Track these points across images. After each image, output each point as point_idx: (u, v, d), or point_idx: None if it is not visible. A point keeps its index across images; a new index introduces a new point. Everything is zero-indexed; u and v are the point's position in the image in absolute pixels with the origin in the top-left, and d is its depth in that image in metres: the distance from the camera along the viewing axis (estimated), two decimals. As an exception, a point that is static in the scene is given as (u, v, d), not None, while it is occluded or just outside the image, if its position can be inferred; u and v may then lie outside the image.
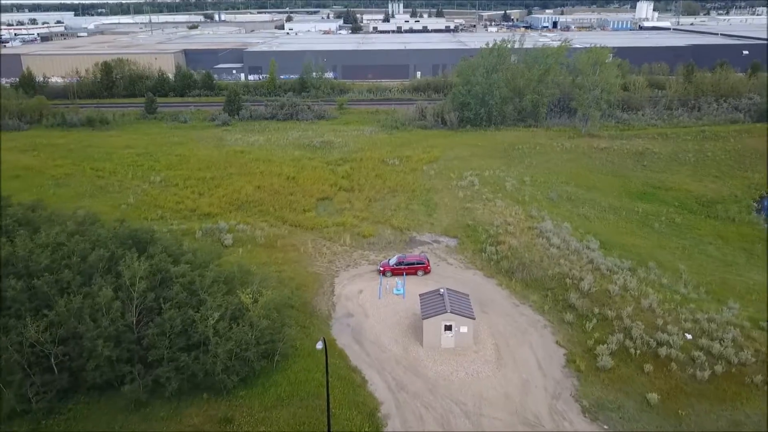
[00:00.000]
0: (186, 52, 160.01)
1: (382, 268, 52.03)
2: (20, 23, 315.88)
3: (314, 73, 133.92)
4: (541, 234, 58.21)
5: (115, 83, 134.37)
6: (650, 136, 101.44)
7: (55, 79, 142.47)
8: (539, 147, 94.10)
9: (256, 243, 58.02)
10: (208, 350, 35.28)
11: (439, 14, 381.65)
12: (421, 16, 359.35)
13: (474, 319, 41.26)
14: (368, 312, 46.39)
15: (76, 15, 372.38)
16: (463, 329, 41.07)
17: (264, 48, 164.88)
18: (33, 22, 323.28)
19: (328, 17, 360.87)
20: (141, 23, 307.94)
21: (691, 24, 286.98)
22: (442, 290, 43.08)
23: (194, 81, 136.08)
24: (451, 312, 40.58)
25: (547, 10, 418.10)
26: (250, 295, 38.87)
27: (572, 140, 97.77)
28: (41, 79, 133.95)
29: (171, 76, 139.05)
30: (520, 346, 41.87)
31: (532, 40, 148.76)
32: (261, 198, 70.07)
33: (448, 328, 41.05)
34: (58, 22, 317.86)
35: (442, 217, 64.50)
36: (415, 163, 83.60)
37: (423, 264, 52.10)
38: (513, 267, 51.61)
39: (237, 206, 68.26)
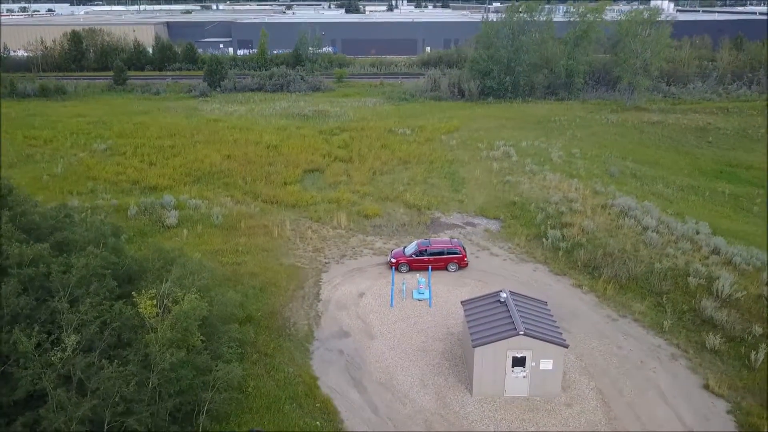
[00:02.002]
0: (168, 25, 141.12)
1: (394, 260, 33.47)
2: (9, 11, 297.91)
3: (310, 48, 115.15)
4: (623, 213, 39.51)
5: (84, 55, 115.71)
6: (708, 111, 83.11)
7: (21, 53, 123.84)
8: (579, 120, 75.46)
9: (210, 224, 39.38)
10: (40, 416, 16.66)
11: (445, 6, 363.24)
12: (426, 7, 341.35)
13: (567, 346, 22.56)
14: (374, 330, 27.84)
15: (71, 5, 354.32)
16: (546, 365, 22.42)
17: (254, 20, 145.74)
18: (24, 10, 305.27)
19: (329, 7, 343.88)
20: (134, 11, 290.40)
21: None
22: (504, 294, 24.38)
23: (175, 53, 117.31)
24: (525, 334, 21.97)
25: (560, 6, 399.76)
26: (156, 301, 20.23)
27: (616, 114, 79.27)
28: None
29: (150, 49, 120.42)
30: (643, 395, 23.22)
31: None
32: (229, 168, 51.37)
33: (519, 362, 22.43)
34: (49, 10, 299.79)
35: (475, 193, 45.83)
36: (431, 132, 64.93)
37: (457, 253, 33.51)
38: (595, 259, 32.93)
39: (196, 178, 49.56)
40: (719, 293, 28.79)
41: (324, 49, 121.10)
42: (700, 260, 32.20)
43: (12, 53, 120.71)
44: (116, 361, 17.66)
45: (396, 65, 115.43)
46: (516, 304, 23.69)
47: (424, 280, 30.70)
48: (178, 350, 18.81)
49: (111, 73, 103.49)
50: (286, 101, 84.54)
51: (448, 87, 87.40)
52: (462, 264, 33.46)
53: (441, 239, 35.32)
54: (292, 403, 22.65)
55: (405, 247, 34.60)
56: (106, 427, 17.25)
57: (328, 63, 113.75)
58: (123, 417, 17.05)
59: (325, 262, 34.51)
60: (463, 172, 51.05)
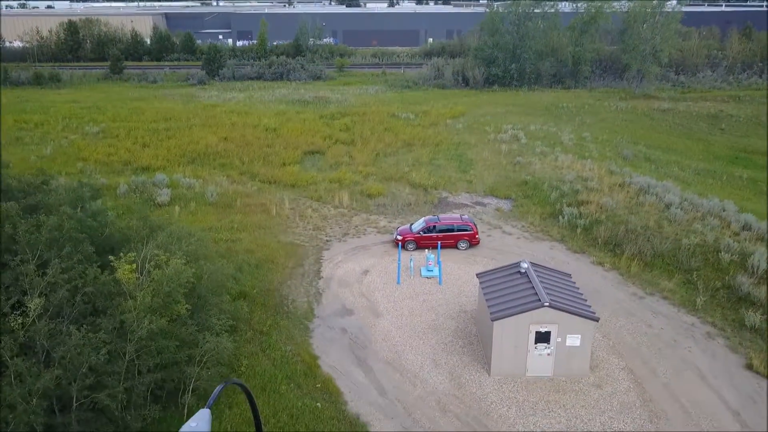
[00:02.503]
0: (167, 16, 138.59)
1: (400, 237, 31.07)
2: (9, 7, 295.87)
3: (311, 39, 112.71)
4: (642, 191, 37.10)
5: (81, 45, 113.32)
6: (720, 99, 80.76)
7: (17, 43, 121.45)
8: (588, 107, 73.07)
9: (204, 202, 36.99)
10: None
11: (446, 2, 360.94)
12: (427, 4, 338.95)
13: (597, 320, 20.14)
14: (380, 307, 25.47)
15: (71, 1, 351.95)
16: (573, 341, 20.02)
17: (254, 10, 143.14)
18: (23, 6, 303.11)
19: (329, 3, 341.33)
20: (133, 6, 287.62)
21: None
22: (524, 264, 21.97)
23: (173, 44, 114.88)
24: (550, 305, 19.58)
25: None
26: (137, 265, 17.85)
27: (625, 101, 76.88)
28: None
29: (148, 40, 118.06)
30: (680, 376, 20.82)
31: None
32: (226, 150, 48.97)
33: (543, 337, 20.04)
34: (48, 6, 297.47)
35: (484, 174, 43.41)
36: (436, 117, 62.50)
37: (468, 230, 31.12)
38: (616, 236, 30.52)
39: (190, 159, 47.16)
40: (755, 269, 26.38)
41: (325, 40, 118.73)
42: (730, 236, 29.78)
43: (8, 44, 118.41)
44: (85, 327, 15.25)
45: (398, 56, 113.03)
46: (538, 275, 21.30)
47: (433, 256, 28.28)
48: (159, 318, 16.42)
49: (108, 63, 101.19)
50: (286, 89, 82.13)
51: (452, 75, 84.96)
52: (473, 241, 31.07)
53: (450, 215, 32.95)
54: (289, 383, 20.28)
55: (411, 224, 32.21)
56: (74, 404, 14.88)
57: (328, 54, 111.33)
58: (93, 392, 14.63)
59: (327, 240, 32.13)
60: (470, 153, 48.66)
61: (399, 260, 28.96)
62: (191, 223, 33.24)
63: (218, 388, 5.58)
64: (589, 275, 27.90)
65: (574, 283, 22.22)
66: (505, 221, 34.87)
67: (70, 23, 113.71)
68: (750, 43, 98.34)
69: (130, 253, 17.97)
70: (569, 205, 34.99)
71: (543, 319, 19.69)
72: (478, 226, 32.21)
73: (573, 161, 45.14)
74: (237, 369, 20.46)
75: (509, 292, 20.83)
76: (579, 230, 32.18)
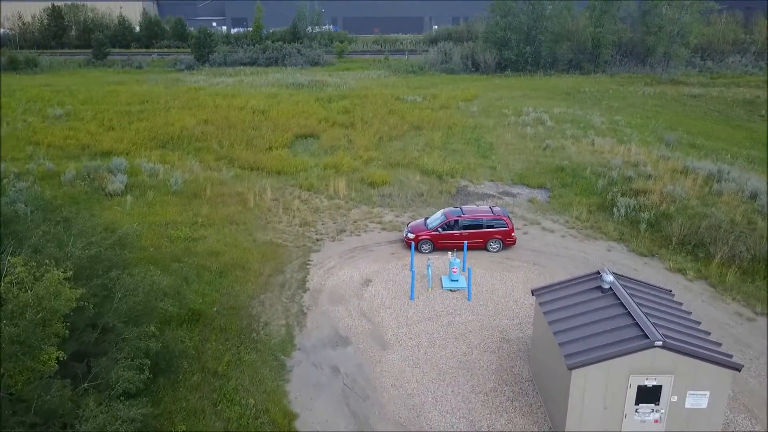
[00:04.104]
0: (158, 3, 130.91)
1: (412, 235, 23.46)
2: None
3: (309, 26, 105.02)
4: (712, 178, 29.50)
5: (65, 31, 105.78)
6: (753, 84, 73.16)
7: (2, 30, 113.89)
8: (612, 92, 65.45)
9: (166, 191, 29.40)
10: None
11: None
12: None
13: (739, 368, 12.69)
14: (387, 333, 17.90)
15: None
16: (698, 399, 12.55)
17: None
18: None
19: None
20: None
21: None
22: (608, 277, 14.42)
23: (163, 30, 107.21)
24: (664, 345, 12.12)
25: None
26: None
27: (651, 87, 69.23)
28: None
29: (137, 26, 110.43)
30: None
31: None
32: (204, 133, 41.34)
33: (649, 393, 12.55)
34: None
35: (509, 159, 35.80)
36: (446, 100, 54.79)
37: (501, 225, 23.55)
38: (695, 234, 23.02)
39: (161, 143, 39.55)
40: None
41: (324, 27, 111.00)
42: None
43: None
44: None
45: (401, 43, 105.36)
46: (631, 294, 13.76)
47: (458, 261, 20.68)
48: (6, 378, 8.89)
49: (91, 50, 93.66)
50: (281, 74, 74.43)
51: (461, 59, 77.28)
52: (507, 241, 23.53)
53: (476, 207, 25.37)
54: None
55: (426, 219, 24.65)
56: None
57: (327, 41, 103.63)
58: None
59: (317, 239, 24.56)
60: (490, 137, 41.06)
61: (412, 266, 21.40)
62: (144, 216, 25.73)
63: None
64: (664, 285, 20.33)
65: (682, 305, 14.65)
66: (543, 215, 27.30)
67: (54, 8, 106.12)
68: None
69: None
70: (623, 195, 27.43)
71: (651, 366, 12.17)
72: (512, 221, 24.66)
73: (614, 145, 37.56)
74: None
75: (589, 321, 13.29)
76: (643, 226, 24.59)
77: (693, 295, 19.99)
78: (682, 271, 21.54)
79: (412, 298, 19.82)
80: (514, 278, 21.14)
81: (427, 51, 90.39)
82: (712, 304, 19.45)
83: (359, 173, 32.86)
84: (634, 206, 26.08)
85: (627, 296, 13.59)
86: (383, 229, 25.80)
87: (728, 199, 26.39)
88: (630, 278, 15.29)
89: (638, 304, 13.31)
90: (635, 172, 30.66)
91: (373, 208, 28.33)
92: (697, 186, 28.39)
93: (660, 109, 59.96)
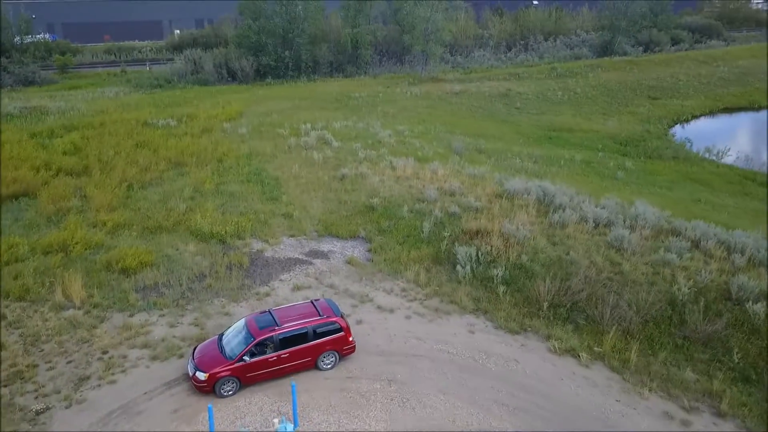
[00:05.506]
0: None
1: (203, 374, 14.72)
2: None
3: (16, 38, 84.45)
4: (540, 202, 25.43)
5: None
6: (502, 78, 76.10)
7: None
8: (382, 95, 61.90)
9: None
10: None
11: None
12: None
13: None
14: None
15: None
16: None
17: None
18: None
19: None
20: None
21: None
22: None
23: None
24: None
25: None
26: None
27: (416, 86, 67.49)
28: None
29: None
30: None
31: None
32: None
33: None
34: None
35: (303, 200, 28.28)
36: (206, 121, 45.06)
37: (333, 330, 15.99)
38: (566, 293, 18.19)
39: None
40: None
41: (38, 36, 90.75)
42: (725, 270, 19.20)
43: None
44: None
45: (139, 51, 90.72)
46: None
47: (290, 427, 12.68)
48: None
49: None
50: (-22, 99, 56.77)
51: (214, 68, 67.42)
52: (345, 350, 16.13)
53: (292, 305, 17.30)
54: None
55: (222, 337, 16.08)
56: None
57: (45, 53, 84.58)
58: None
59: (37, 411, 14.39)
60: (272, 169, 33.06)
61: (213, 443, 12.84)
62: None
63: None
64: (559, 380, 14.96)
65: None
66: (371, 283, 20.44)
67: None
68: (506, 22, 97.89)
69: None
70: (458, 242, 21.88)
71: None
72: (344, 314, 17.24)
73: (416, 167, 32.35)
74: None
75: None
76: (501, 289, 19.14)
77: (601, 395, 14.80)
78: (571, 351, 16.39)
79: None
80: (370, 419, 13.88)
81: (172, 60, 78.13)
82: (631, 405, 14.44)
83: (103, 253, 22.55)
84: (478, 257, 20.61)
85: None
86: (154, 358, 16.50)
87: (572, 232, 22.38)
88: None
89: None
90: (458, 204, 25.49)
91: (131, 315, 18.68)
92: (532, 217, 24.09)
93: (431, 110, 58.00)
